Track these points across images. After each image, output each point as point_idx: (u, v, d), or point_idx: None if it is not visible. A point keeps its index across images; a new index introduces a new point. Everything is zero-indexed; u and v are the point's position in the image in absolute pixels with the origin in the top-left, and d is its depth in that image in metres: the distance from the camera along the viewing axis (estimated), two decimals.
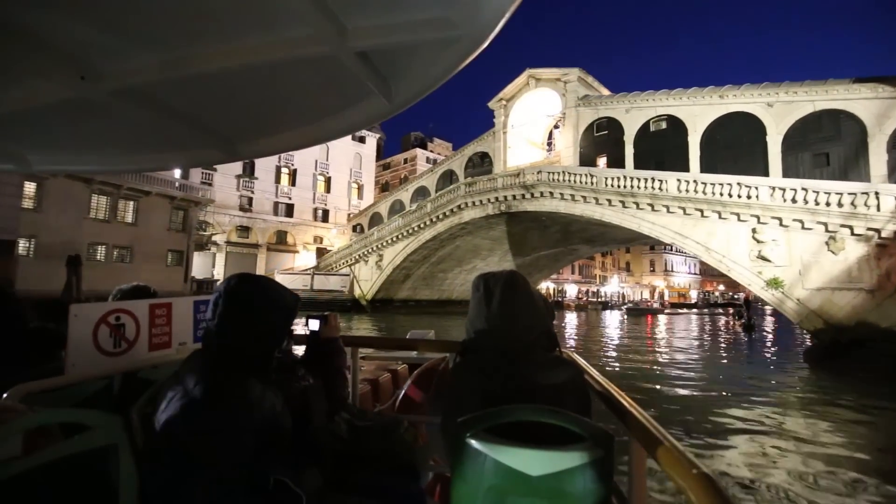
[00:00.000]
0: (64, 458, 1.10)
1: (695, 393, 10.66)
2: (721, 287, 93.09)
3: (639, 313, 49.65)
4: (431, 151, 59.21)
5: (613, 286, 75.57)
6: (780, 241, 17.26)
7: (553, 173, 23.76)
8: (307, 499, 1.27)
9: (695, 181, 19.15)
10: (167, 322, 1.87)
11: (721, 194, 18.44)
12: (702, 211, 19.02)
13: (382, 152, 60.85)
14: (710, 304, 78.22)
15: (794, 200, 16.79)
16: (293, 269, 39.85)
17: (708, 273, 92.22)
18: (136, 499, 1.18)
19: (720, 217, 18.69)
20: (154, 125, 1.27)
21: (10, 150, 1.70)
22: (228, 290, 1.34)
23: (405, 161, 57.83)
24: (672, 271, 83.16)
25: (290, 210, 42.68)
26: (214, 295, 1.36)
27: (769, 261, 17.31)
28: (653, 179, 20.34)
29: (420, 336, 4.99)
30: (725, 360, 16.72)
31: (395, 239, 32.97)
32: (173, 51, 0.91)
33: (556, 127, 34.32)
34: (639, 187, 20.67)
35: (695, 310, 65.51)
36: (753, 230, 17.83)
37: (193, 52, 0.90)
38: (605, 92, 30.34)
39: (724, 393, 10.64)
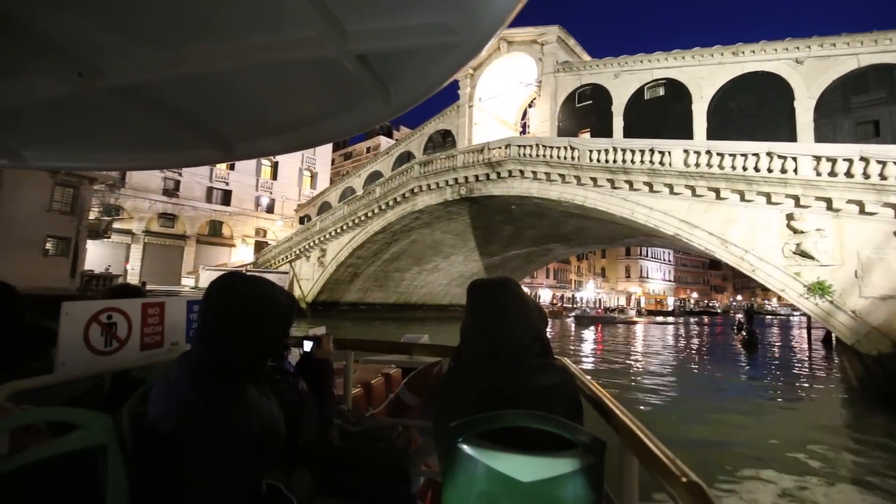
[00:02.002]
0: (51, 457, 1.07)
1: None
2: (695, 294, 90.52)
3: (588, 322, 41.72)
4: (398, 141, 53.76)
5: (589, 292, 71.41)
6: (827, 232, 12.39)
7: (525, 147, 18.61)
8: (299, 503, 1.27)
9: (708, 152, 14.20)
10: (160, 321, 1.85)
11: (745, 168, 13.54)
12: (717, 191, 14.08)
13: (346, 141, 55.11)
14: (686, 312, 74.82)
15: (849, 175, 11.97)
16: (226, 265, 33.80)
17: (682, 280, 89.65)
18: (124, 501, 1.13)
19: (742, 199, 13.77)
20: (151, 124, 1.23)
21: (5, 145, 1.66)
22: (219, 292, 1.28)
23: (368, 150, 52.19)
24: (647, 278, 80.00)
25: (226, 197, 36.58)
26: (204, 296, 1.29)
27: (811, 258, 12.43)
28: (651, 151, 15.34)
29: (414, 340, 4.85)
30: (728, 398, 11.67)
31: (339, 231, 27.34)
32: (172, 50, 0.87)
33: (530, 106, 29.30)
34: (633, 161, 15.66)
35: (671, 318, 61.54)
36: (789, 216, 12.95)
37: (192, 52, 0.87)
38: (588, 59, 25.46)
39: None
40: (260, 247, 35.36)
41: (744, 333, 21.37)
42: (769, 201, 13.31)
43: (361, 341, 2.98)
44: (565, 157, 17.32)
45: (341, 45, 0.76)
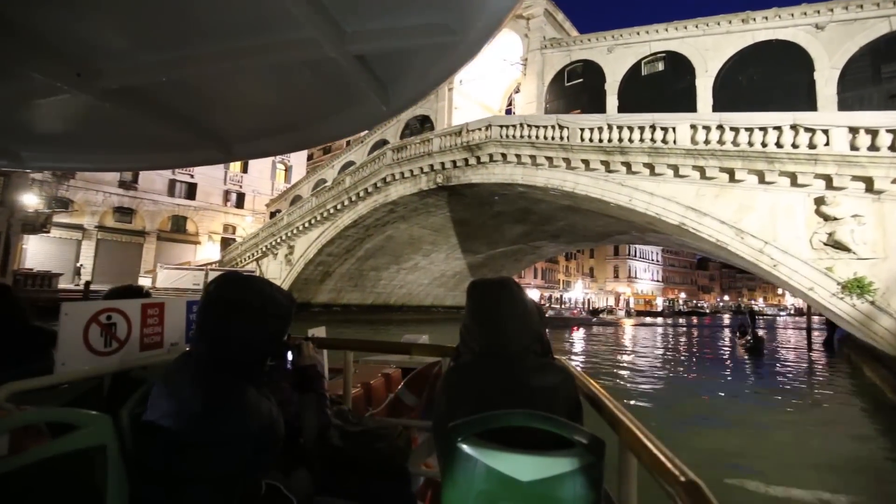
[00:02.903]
0: (50, 458, 1.07)
1: None
2: (683, 295, 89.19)
3: (559, 325, 36.90)
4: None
5: (577, 292, 69.48)
6: (866, 219, 10.22)
7: (507, 127, 16.26)
8: (298, 503, 1.27)
9: (720, 126, 11.95)
10: (159, 322, 1.84)
11: (764, 144, 11.32)
12: (731, 172, 11.85)
13: None
14: (675, 313, 73.25)
15: (893, 148, 9.80)
16: (190, 264, 31.04)
17: (670, 280, 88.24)
18: (124, 502, 1.14)
19: (761, 181, 11.54)
20: (150, 124, 1.22)
21: (2, 146, 1.65)
22: (218, 293, 1.27)
23: (348, 143, 49.55)
24: (636, 278, 78.40)
25: (191, 191, 33.73)
26: (203, 296, 1.29)
27: (847, 249, 10.25)
28: (653, 128, 13.07)
29: (414, 340, 4.84)
30: (746, 421, 9.42)
31: (307, 225, 24.78)
32: (171, 51, 0.86)
33: (516, 91, 27.00)
34: (631, 140, 13.38)
35: (660, 318, 59.74)
36: (819, 201, 10.75)
37: (191, 53, 0.86)
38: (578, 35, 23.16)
39: None
40: (228, 244, 32.60)
41: (748, 338, 19.14)
42: (794, 183, 11.10)
43: (361, 341, 2.89)
44: (553, 138, 15.01)
45: (340, 45, 0.74)
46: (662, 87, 17.07)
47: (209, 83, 0.99)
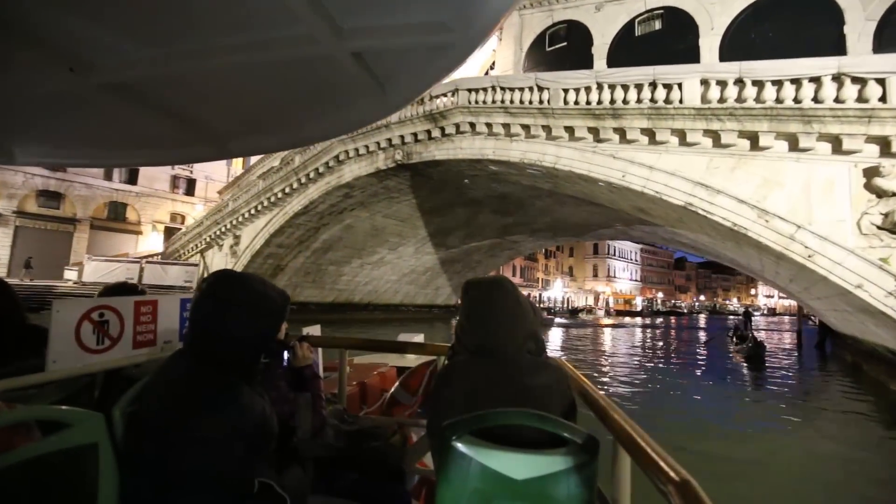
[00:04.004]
0: (41, 456, 1.07)
1: None
2: (660, 294, 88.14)
3: None
4: None
5: (557, 291, 67.35)
6: None
7: (477, 91, 13.41)
8: (292, 501, 1.25)
9: (740, 80, 9.30)
10: (152, 320, 1.82)
11: (797, 100, 8.71)
12: (754, 137, 9.22)
13: None
14: (653, 312, 71.80)
15: None
16: (128, 256, 27.43)
17: (648, 280, 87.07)
18: (115, 500, 1.13)
19: (793, 148, 8.94)
20: (145, 120, 1.20)
21: None
22: (211, 290, 1.26)
23: None
24: (615, 277, 76.91)
25: (132, 175, 29.94)
26: (196, 293, 1.29)
27: None
28: (653, 85, 10.37)
29: (409, 339, 4.44)
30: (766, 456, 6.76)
31: (253, 212, 21.53)
32: (165, 46, 0.85)
33: (492, 68, 24.17)
34: (626, 101, 10.66)
35: (639, 318, 57.90)
36: (872, 172, 8.18)
37: (185, 48, 0.84)
38: None
39: None
40: (171, 234, 29.02)
41: (748, 344, 16.59)
42: (838, 149, 8.51)
43: (356, 340, 2.76)
44: (531, 102, 12.21)
45: (337, 42, 0.74)
46: (659, 49, 14.42)
47: (204, 79, 0.93)
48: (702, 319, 62.30)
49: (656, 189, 10.35)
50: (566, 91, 11.61)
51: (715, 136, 9.64)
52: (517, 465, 1.11)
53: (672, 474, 0.89)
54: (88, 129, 1.38)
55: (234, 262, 22.81)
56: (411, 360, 3.91)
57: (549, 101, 11.82)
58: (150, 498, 1.08)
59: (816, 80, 8.55)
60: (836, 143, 8.48)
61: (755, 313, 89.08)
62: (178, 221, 31.58)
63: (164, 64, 0.88)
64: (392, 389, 3.10)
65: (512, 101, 12.57)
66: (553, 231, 26.73)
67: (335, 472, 1.61)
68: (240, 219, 22.16)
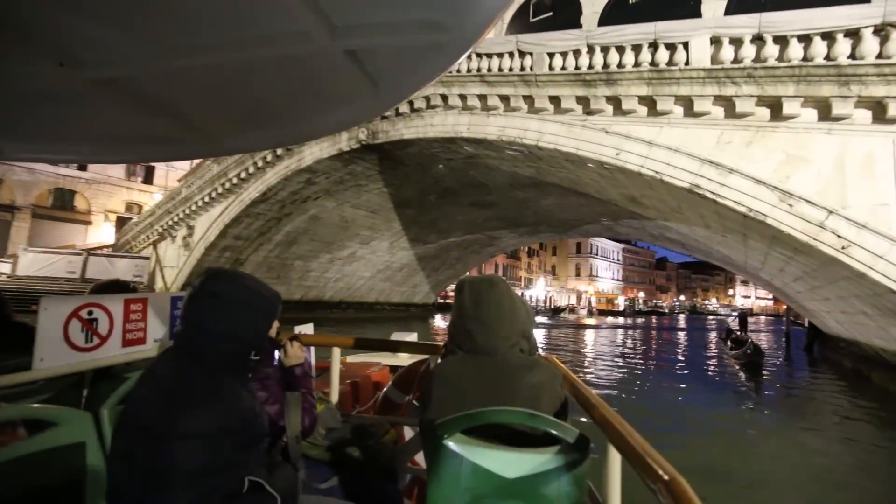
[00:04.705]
0: (27, 455, 1.05)
1: None
2: (642, 294, 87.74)
3: None
4: None
5: (539, 290, 66.05)
6: None
7: None
8: (282, 500, 1.23)
9: (759, 37, 7.67)
10: (143, 318, 1.79)
11: (830, 58, 7.10)
12: (777, 104, 7.59)
13: None
14: (636, 312, 71.09)
15: None
16: (75, 247, 24.89)
17: (630, 280, 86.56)
18: (103, 499, 1.10)
19: (824, 117, 7.32)
20: (136, 117, 1.16)
21: None
22: (203, 286, 1.24)
23: None
24: (597, 276, 76.07)
25: None
26: (190, 290, 1.26)
27: None
28: (654, 45, 8.68)
29: (402, 338, 4.77)
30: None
31: (207, 200, 19.35)
32: (156, 42, 0.82)
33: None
34: (622, 64, 8.95)
35: (622, 318, 56.90)
36: None
37: (177, 45, 0.82)
38: None
39: None
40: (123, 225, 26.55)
41: (747, 350, 15.04)
42: (880, 117, 6.92)
43: (348, 339, 2.64)
44: (511, 69, 10.43)
45: (331, 40, 0.72)
46: (657, 15, 12.76)
47: (197, 75, 0.90)
48: (682, 319, 61.66)
49: (656, 169, 8.67)
50: (552, 56, 9.87)
51: (728, 103, 7.99)
52: (508, 464, 1.11)
53: (661, 472, 0.90)
54: (79, 125, 1.30)
55: (188, 255, 20.60)
56: (404, 359, 3.80)
57: (531, 67, 10.06)
58: (138, 496, 1.05)
59: (854, 34, 6.95)
60: (879, 110, 6.89)
61: (733, 314, 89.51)
62: (134, 212, 29.04)
63: (156, 60, 0.84)
64: (385, 388, 3.07)
65: (489, 69, 10.78)
66: (536, 226, 25.10)
67: (327, 470, 1.60)
68: (193, 207, 19.96)
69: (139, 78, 0.96)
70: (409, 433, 2.36)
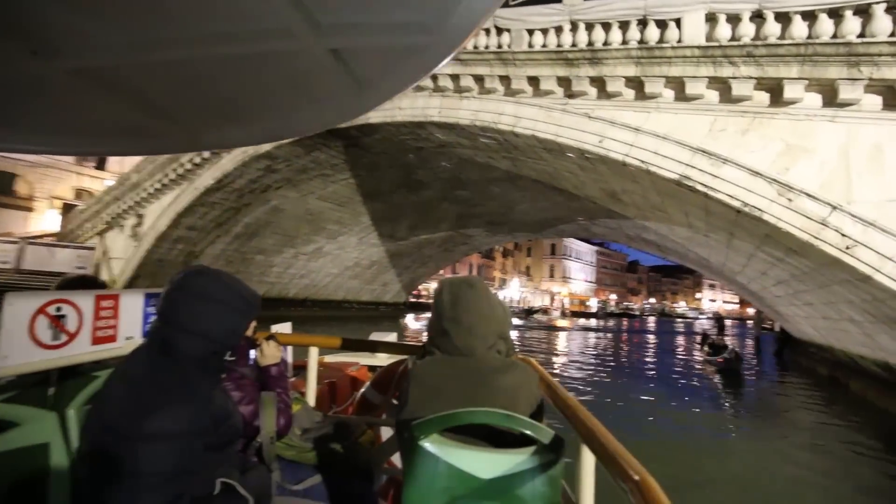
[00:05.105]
0: None
1: None
2: (613, 296, 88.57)
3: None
4: None
5: (514, 290, 65.61)
6: None
7: None
8: (255, 501, 1.21)
9: (758, 13, 6.87)
10: (114, 315, 1.73)
11: (838, 35, 6.34)
12: (777, 87, 6.80)
13: None
14: (607, 314, 71.52)
15: None
16: (12, 236, 22.71)
17: (602, 282, 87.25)
18: (68, 501, 1.08)
19: (829, 103, 6.57)
20: (111, 109, 1.07)
21: None
22: (182, 283, 1.22)
23: None
24: (570, 278, 76.27)
25: None
26: (167, 286, 1.23)
27: None
28: (643, 21, 7.81)
29: (381, 338, 4.58)
30: None
31: (158, 187, 17.71)
32: (134, 32, 0.78)
33: None
34: (608, 42, 8.05)
35: (594, 320, 56.94)
36: None
37: (156, 36, 0.78)
38: None
39: None
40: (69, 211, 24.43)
41: (726, 356, 14.41)
42: (890, 103, 6.20)
43: (326, 339, 2.65)
44: (486, 47, 9.42)
45: (314, 38, 0.71)
46: None
47: (175, 68, 0.86)
48: (652, 322, 62.24)
49: (642, 158, 7.80)
50: (531, 33, 8.91)
51: (723, 86, 7.17)
52: (483, 464, 1.11)
53: (632, 472, 0.91)
54: (54, 116, 1.19)
55: (136, 245, 18.88)
56: (383, 359, 3.70)
57: (509, 45, 9.08)
58: (103, 499, 1.01)
59: (864, 11, 6.21)
60: (890, 95, 6.18)
61: (701, 317, 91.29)
62: (84, 199, 26.87)
63: (133, 51, 0.81)
64: (363, 389, 2.94)
65: (464, 47, 9.72)
66: (510, 225, 24.27)
67: (302, 471, 1.57)
68: (143, 194, 18.26)
69: (115, 69, 0.89)
70: (386, 433, 2.33)
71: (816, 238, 6.44)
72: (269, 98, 1.00)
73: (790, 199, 6.62)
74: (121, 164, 28.24)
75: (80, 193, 26.94)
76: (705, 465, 6.58)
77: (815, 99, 6.63)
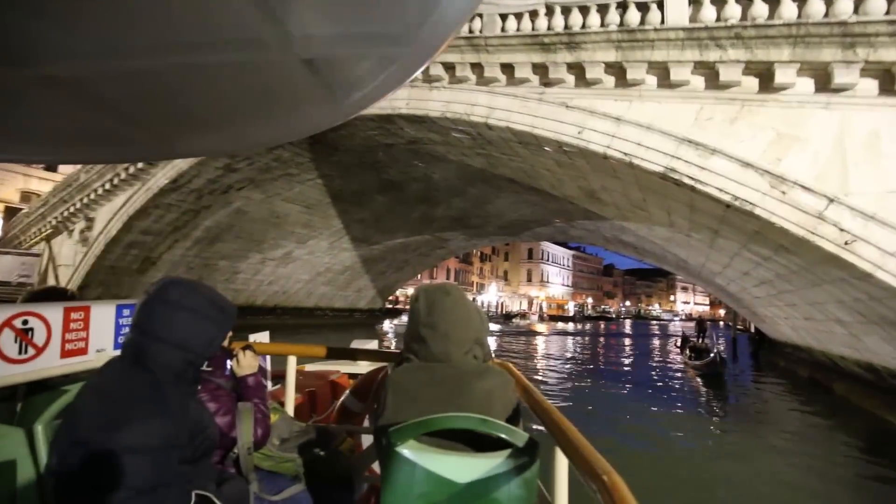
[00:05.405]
0: None
1: None
2: (590, 300, 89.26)
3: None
4: None
5: (491, 295, 65.18)
6: None
7: None
8: None
9: None
10: (84, 327, 1.70)
11: (830, 14, 5.88)
12: (767, 73, 6.31)
13: None
14: (585, 317, 71.83)
15: None
16: None
17: (579, 286, 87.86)
18: None
19: (822, 87, 6.10)
20: (80, 117, 0.97)
21: None
22: (158, 294, 1.21)
23: None
24: (548, 282, 76.43)
25: None
26: (144, 297, 1.23)
27: None
28: (623, 7, 7.23)
29: (362, 346, 4.63)
30: None
31: (108, 187, 16.41)
32: (104, 42, 0.72)
33: None
34: (586, 24, 7.46)
35: (571, 324, 56.93)
36: None
37: (126, 46, 0.73)
38: None
39: None
40: (12, 215, 22.65)
41: (709, 361, 13.93)
42: (887, 87, 5.75)
43: (304, 347, 2.55)
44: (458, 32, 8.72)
45: (286, 48, 0.69)
46: None
47: (146, 77, 0.82)
48: (628, 325, 62.65)
49: (624, 150, 7.21)
50: (504, 17, 8.27)
51: (710, 72, 6.64)
52: (460, 469, 1.12)
53: (599, 471, 0.93)
54: (20, 123, 1.04)
55: (86, 251, 17.47)
56: (364, 367, 3.68)
57: (481, 30, 8.41)
58: None
59: None
60: (887, 79, 5.73)
61: (675, 318, 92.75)
62: (33, 202, 25.04)
63: (102, 60, 0.76)
64: (343, 397, 2.93)
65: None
66: (488, 228, 23.66)
67: (281, 482, 1.56)
68: (93, 196, 16.91)
69: (83, 78, 0.84)
70: (367, 441, 2.26)
71: (813, 233, 5.94)
72: (242, 107, 0.94)
73: (784, 192, 6.10)
74: (74, 165, 26.52)
75: (27, 196, 25.11)
76: (696, 471, 6.27)
77: (808, 84, 6.15)
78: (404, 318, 31.08)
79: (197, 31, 0.68)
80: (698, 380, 13.89)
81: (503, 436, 1.13)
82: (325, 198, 18.39)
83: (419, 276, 38.40)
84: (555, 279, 78.91)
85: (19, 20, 0.63)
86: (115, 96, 0.87)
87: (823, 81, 6.04)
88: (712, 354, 13.66)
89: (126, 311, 1.80)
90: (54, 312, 1.59)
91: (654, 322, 77.22)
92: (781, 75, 6.13)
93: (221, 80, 0.81)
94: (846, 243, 5.74)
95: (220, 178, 15.33)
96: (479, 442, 1.15)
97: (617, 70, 7.28)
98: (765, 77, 6.33)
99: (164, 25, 0.66)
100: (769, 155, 6.27)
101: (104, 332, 1.75)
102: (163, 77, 0.80)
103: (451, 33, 0.66)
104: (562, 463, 1.23)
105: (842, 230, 5.77)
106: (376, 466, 1.87)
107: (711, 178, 6.58)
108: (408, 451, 1.13)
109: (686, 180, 6.76)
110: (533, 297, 71.96)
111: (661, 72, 6.96)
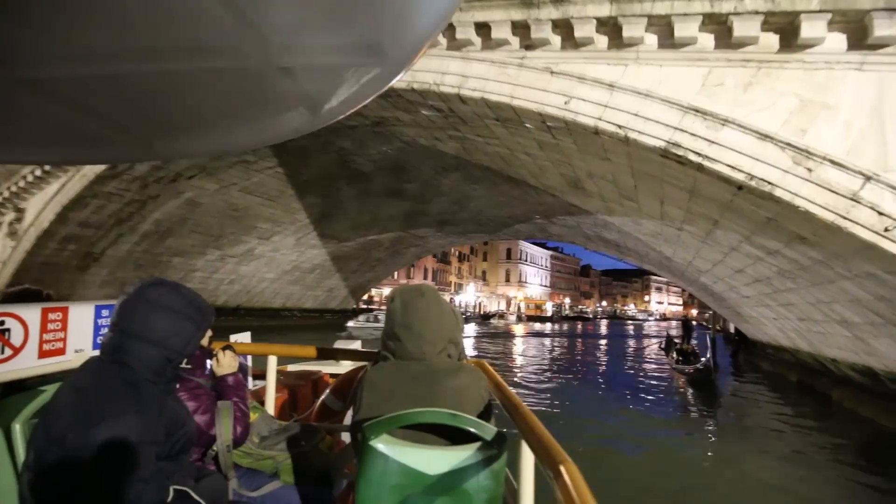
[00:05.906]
0: None
1: None
2: (567, 300, 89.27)
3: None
4: None
5: (469, 295, 64.15)
6: None
7: None
8: None
9: None
10: (62, 328, 1.71)
11: None
12: (789, 27, 5.27)
13: None
14: (562, 317, 71.50)
15: None
16: None
17: (556, 286, 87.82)
18: None
19: (855, 46, 5.08)
20: (59, 119, 0.98)
21: None
22: (138, 293, 1.24)
23: None
24: (526, 282, 75.95)
25: None
26: (123, 296, 1.25)
27: None
28: None
29: (345, 346, 4.61)
30: None
31: (40, 175, 14.54)
32: (82, 46, 0.74)
33: None
34: None
35: (549, 324, 56.31)
36: None
37: (104, 50, 0.74)
38: None
39: None
40: None
41: (699, 365, 13.02)
42: None
43: (285, 347, 2.77)
44: None
45: (264, 56, 0.71)
46: None
47: (124, 80, 0.82)
48: (604, 325, 62.48)
49: (619, 122, 6.09)
50: None
51: (722, 27, 5.56)
52: (431, 461, 1.17)
53: (556, 459, 0.97)
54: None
55: (14, 244, 15.52)
56: (347, 366, 3.60)
57: None
58: None
59: None
60: None
61: (650, 318, 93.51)
62: None
63: (80, 64, 0.77)
64: (323, 396, 2.93)
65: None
66: (464, 224, 22.48)
67: (260, 478, 1.57)
68: (21, 183, 14.98)
69: (63, 81, 0.85)
70: (346, 439, 2.29)
71: (845, 218, 4.91)
72: (221, 112, 0.96)
73: (809, 169, 5.06)
74: None
75: None
76: (693, 479, 5.88)
77: (839, 40, 5.12)
78: (361, 318, 29.24)
79: (176, 39, 0.67)
80: (686, 386, 12.97)
81: (472, 430, 1.20)
82: (287, 189, 16.89)
83: (395, 275, 37.03)
84: (533, 279, 78.51)
85: (0, 24, 0.63)
86: (94, 99, 0.85)
87: (858, 36, 5.02)
88: (703, 359, 12.73)
89: (105, 312, 1.80)
90: (32, 313, 1.60)
91: (630, 322, 77.46)
92: (808, 28, 5.08)
93: (201, 85, 0.81)
94: (886, 230, 4.73)
95: (166, 165, 13.69)
96: (451, 436, 1.22)
97: (611, 28, 6.14)
98: (787, 33, 5.28)
99: (144, 32, 0.65)
100: (791, 125, 5.22)
101: (83, 332, 1.76)
102: (143, 82, 0.79)
103: (425, 43, 0.66)
104: (527, 455, 1.28)
105: (881, 214, 4.76)
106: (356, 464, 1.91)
107: (722, 154, 5.50)
108: (381, 444, 1.19)
109: (692, 156, 5.67)
110: (511, 297, 71.30)
111: (663, 28, 5.85)
